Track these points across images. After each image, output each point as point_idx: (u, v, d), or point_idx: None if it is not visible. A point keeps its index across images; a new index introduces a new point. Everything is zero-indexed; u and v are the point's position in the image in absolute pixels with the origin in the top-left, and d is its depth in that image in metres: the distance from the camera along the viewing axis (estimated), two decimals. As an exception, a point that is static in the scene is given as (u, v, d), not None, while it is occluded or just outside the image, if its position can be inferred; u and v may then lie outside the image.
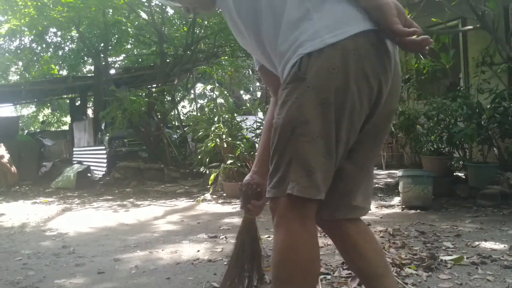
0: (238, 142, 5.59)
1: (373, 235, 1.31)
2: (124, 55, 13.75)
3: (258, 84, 16.28)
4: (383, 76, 1.06)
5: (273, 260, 1.10)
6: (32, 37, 10.78)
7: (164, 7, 9.41)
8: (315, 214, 1.14)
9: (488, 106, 4.33)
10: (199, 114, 8.74)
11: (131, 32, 10.80)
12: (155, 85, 11.12)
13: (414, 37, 1.01)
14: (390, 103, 1.15)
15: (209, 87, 7.72)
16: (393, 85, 1.12)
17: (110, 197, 5.99)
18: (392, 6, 1.02)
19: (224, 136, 5.66)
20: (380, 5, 1.02)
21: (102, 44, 10.64)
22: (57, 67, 12.77)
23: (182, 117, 12.08)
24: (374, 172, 6.44)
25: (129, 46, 12.78)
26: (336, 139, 1.05)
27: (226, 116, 5.94)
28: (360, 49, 1.02)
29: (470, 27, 5.17)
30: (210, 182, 5.57)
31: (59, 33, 11.19)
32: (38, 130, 19.56)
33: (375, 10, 1.04)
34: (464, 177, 4.61)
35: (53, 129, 22.13)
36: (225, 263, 2.37)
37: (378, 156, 1.27)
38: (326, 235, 2.98)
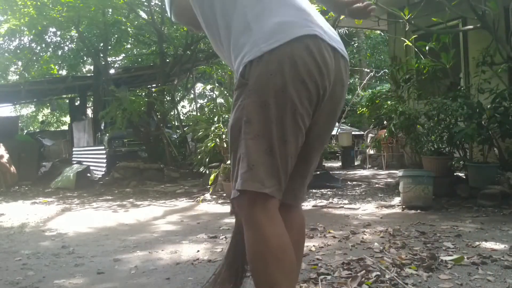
0: (238, 142, 5.58)
1: (296, 224, 1.37)
2: (123, 54, 13.74)
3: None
4: (320, 79, 1.14)
5: (247, 256, 1.18)
6: (31, 36, 10.75)
7: (164, 6, 9.39)
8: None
9: (488, 106, 4.33)
10: (199, 114, 8.73)
11: (130, 31, 10.78)
12: (155, 85, 11.10)
13: (359, 4, 1.16)
14: (331, 106, 1.24)
15: (209, 87, 7.72)
16: (334, 91, 1.21)
17: (110, 197, 5.99)
18: None
19: (224, 136, 5.65)
20: None
21: (101, 44, 10.62)
22: (56, 67, 12.76)
23: (182, 117, 12.08)
24: (375, 172, 6.39)
25: (128, 46, 12.75)
26: (282, 138, 1.14)
27: (226, 116, 5.94)
28: (295, 55, 1.11)
29: (471, 26, 5.16)
30: (210, 182, 5.56)
31: (58, 32, 11.17)
32: (38, 130, 19.57)
33: None
34: (464, 177, 4.60)
35: (52, 129, 22.16)
36: (225, 263, 2.37)
37: (321, 153, 1.42)
38: (326, 236, 2.98)
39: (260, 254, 1.14)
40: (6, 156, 7.65)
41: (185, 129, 9.33)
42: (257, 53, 1.12)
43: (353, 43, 17.87)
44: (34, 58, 11.90)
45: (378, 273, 2.00)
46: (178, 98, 12.20)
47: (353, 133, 11.46)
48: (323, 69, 1.14)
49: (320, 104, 1.19)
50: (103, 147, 8.88)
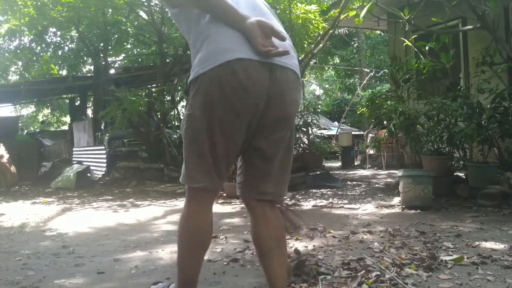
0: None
1: (273, 221, 1.58)
2: (123, 55, 13.74)
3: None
4: (245, 96, 1.35)
5: None
6: (31, 37, 10.75)
7: (164, 7, 9.39)
8: (239, 192, 1.58)
9: (488, 106, 4.33)
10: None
11: (130, 32, 10.79)
12: (155, 85, 11.09)
13: (273, 51, 1.34)
14: (275, 113, 1.43)
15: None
16: (272, 100, 1.40)
17: (110, 197, 5.99)
18: (254, 28, 1.34)
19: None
20: (245, 28, 1.35)
21: (101, 44, 10.62)
22: (56, 67, 12.75)
23: (182, 117, 12.06)
24: (375, 172, 6.39)
25: (128, 46, 12.76)
26: (211, 144, 1.40)
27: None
28: (221, 77, 1.34)
29: (470, 27, 5.17)
30: (210, 182, 5.56)
31: (58, 33, 11.17)
32: (38, 130, 19.56)
33: (244, 32, 1.35)
34: (464, 177, 4.61)
35: (52, 129, 22.14)
36: (225, 263, 2.37)
37: (287, 156, 1.56)
38: (326, 236, 2.99)
39: (181, 229, 1.50)
40: (6, 156, 7.64)
41: (185, 129, 9.25)
42: (195, 75, 1.38)
43: (353, 43, 17.88)
44: (34, 58, 11.89)
45: (378, 273, 2.00)
46: (178, 98, 12.17)
47: (353, 133, 11.47)
48: (249, 87, 1.35)
49: (256, 114, 1.40)
50: (103, 147, 8.88)
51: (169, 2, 1.57)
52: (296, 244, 2.72)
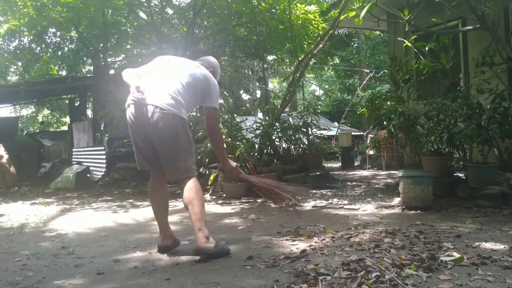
0: (237, 143, 5.58)
1: (184, 193, 2.57)
2: (123, 55, 13.71)
3: (257, 84, 16.26)
4: (132, 123, 2.56)
5: None
6: (31, 37, 10.73)
7: (164, 6, 9.40)
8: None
9: (488, 107, 4.33)
10: (198, 115, 8.73)
11: (130, 32, 10.77)
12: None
13: (133, 99, 2.46)
14: (153, 132, 2.50)
15: (208, 87, 7.68)
16: (147, 126, 2.49)
17: (110, 198, 5.98)
18: (132, 89, 2.44)
19: (223, 137, 5.64)
20: (128, 86, 2.50)
21: (101, 44, 10.60)
22: (56, 67, 12.72)
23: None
24: (375, 172, 6.41)
25: (128, 47, 12.73)
26: (137, 147, 2.65)
27: (226, 116, 5.94)
28: (126, 111, 2.58)
29: (470, 27, 5.17)
30: (209, 183, 5.56)
31: (58, 33, 11.14)
32: (38, 131, 19.51)
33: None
34: (464, 177, 4.61)
35: (52, 129, 22.13)
36: (225, 263, 2.36)
37: (174, 154, 2.56)
38: (326, 236, 2.97)
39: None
40: (6, 157, 7.64)
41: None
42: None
43: (352, 43, 17.89)
44: (34, 58, 11.85)
45: (378, 273, 2.00)
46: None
47: (353, 133, 11.46)
48: (133, 119, 2.53)
49: (144, 132, 2.52)
50: (102, 148, 8.87)
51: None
52: (296, 245, 2.72)
